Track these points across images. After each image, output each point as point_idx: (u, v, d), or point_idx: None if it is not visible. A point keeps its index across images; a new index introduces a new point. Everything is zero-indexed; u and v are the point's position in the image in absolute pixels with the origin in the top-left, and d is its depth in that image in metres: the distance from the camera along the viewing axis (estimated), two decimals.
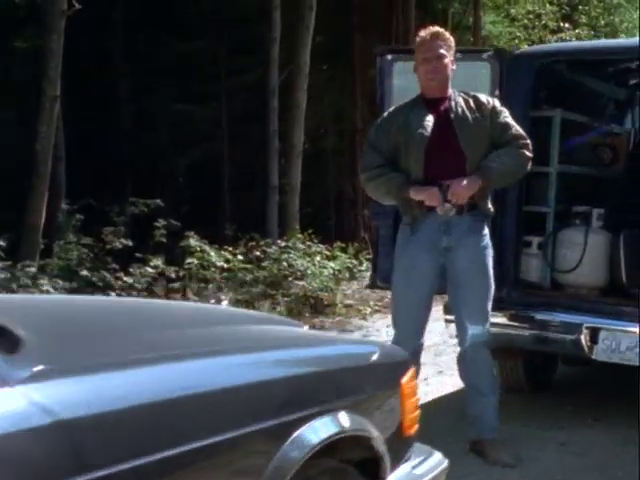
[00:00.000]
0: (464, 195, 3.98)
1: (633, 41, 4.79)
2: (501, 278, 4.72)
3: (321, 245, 10.71)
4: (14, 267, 8.27)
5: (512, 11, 18.70)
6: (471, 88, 4.63)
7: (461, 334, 4.15)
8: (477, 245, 4.08)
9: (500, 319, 4.68)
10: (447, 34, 4.16)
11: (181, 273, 9.61)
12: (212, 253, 9.60)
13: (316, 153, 14.20)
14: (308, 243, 10.81)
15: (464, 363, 4.18)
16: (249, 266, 9.77)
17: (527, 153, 4.12)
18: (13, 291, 7.72)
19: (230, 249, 9.83)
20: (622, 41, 5.34)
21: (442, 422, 4.62)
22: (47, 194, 9.25)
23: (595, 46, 5.50)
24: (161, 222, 9.70)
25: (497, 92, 4.58)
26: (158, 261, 9.53)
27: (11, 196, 10.47)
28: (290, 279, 10.17)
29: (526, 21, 19.26)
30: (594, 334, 4.50)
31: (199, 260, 9.48)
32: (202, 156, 13.03)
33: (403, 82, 4.70)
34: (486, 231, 4.12)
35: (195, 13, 12.90)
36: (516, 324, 4.67)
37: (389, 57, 4.67)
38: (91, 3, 12.93)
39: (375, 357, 2.41)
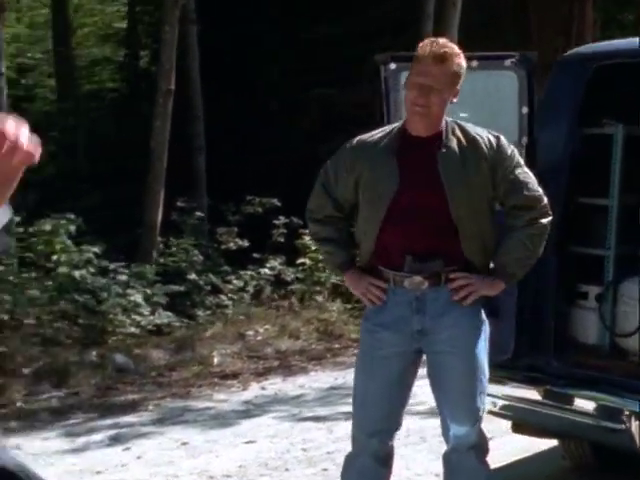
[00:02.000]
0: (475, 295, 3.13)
1: None
2: (539, 341, 3.77)
3: None
4: (127, 267, 8.01)
5: None
6: (491, 105, 3.69)
7: (444, 432, 3.25)
8: (461, 325, 3.14)
9: (532, 394, 3.73)
10: (458, 53, 3.12)
11: (300, 275, 9.04)
12: None
13: None
14: None
15: (448, 467, 3.28)
16: None
17: (547, 222, 3.20)
18: (100, 301, 7.47)
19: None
20: None
21: None
22: (163, 191, 8.88)
23: None
24: (281, 220, 9.18)
25: (525, 109, 3.58)
26: (275, 262, 9.02)
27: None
28: None
29: None
30: None
31: (312, 261, 8.84)
32: None
33: None
34: (475, 304, 3.19)
35: None
36: (550, 403, 3.69)
37: (393, 66, 3.76)
38: None
39: None
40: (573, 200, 3.74)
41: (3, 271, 7.44)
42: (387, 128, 3.33)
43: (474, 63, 3.58)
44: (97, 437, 5.31)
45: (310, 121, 12.30)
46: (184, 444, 5.13)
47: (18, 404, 6.03)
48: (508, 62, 3.58)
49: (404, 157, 3.15)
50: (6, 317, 6.75)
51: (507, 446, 4.45)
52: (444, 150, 3.11)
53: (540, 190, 3.21)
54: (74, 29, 14.68)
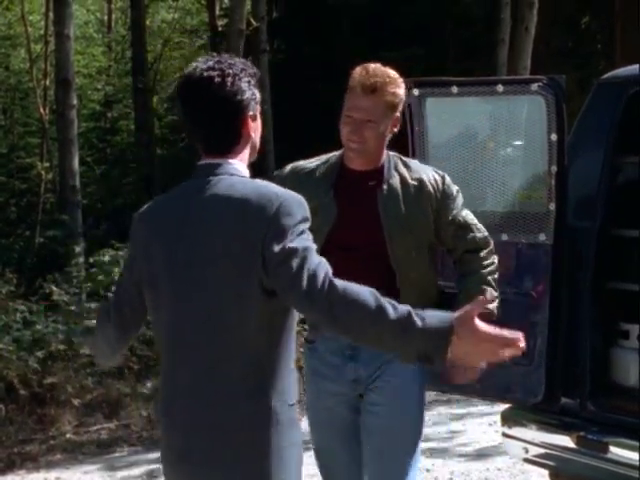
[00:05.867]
0: None
1: None
2: (573, 383, 3.53)
3: None
4: None
5: None
6: (517, 133, 3.50)
7: None
8: (397, 374, 2.84)
9: (563, 441, 3.48)
10: (391, 81, 2.83)
11: None
12: None
13: None
14: None
15: None
16: None
17: (497, 262, 2.96)
18: None
19: None
20: None
21: None
22: None
23: None
24: None
25: (554, 136, 3.36)
26: None
27: None
28: None
29: None
30: None
31: None
32: None
33: (439, 124, 3.63)
34: None
35: (416, 17, 12.05)
36: (583, 451, 3.43)
37: (416, 92, 3.56)
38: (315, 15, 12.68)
39: None
40: (610, 232, 3.50)
41: (68, 301, 7.50)
42: (323, 157, 3.00)
43: (499, 88, 3.41)
44: (136, 472, 5.25)
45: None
46: None
47: (67, 435, 6.02)
48: (535, 86, 3.37)
49: (342, 191, 2.89)
50: (62, 347, 6.77)
51: None
52: (385, 187, 2.85)
53: (485, 230, 2.98)
54: (152, 62, 14.93)
